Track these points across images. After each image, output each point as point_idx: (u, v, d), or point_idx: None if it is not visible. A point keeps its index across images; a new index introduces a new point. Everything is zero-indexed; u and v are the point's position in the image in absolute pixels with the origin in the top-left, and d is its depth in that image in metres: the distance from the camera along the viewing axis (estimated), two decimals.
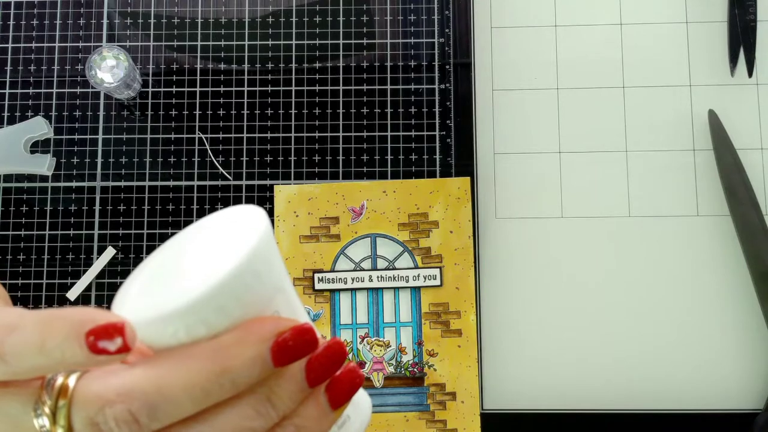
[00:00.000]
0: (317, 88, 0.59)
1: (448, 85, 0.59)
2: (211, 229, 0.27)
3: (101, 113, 0.59)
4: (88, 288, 0.57)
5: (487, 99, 0.59)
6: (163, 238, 0.58)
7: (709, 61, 0.59)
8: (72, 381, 0.23)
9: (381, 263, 0.56)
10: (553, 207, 0.57)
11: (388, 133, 0.59)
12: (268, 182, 0.58)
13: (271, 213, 0.57)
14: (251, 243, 0.24)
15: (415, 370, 0.55)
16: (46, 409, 0.23)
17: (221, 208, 0.35)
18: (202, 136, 0.59)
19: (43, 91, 0.60)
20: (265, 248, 0.25)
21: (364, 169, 0.58)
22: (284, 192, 0.57)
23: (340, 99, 0.59)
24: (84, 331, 0.22)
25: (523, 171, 0.58)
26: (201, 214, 0.58)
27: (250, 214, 0.26)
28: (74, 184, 0.58)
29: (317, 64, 0.60)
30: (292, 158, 0.58)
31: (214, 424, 0.24)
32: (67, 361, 0.22)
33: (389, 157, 0.58)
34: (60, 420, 0.22)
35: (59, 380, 0.23)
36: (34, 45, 0.60)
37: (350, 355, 0.55)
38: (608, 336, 0.56)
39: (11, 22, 0.61)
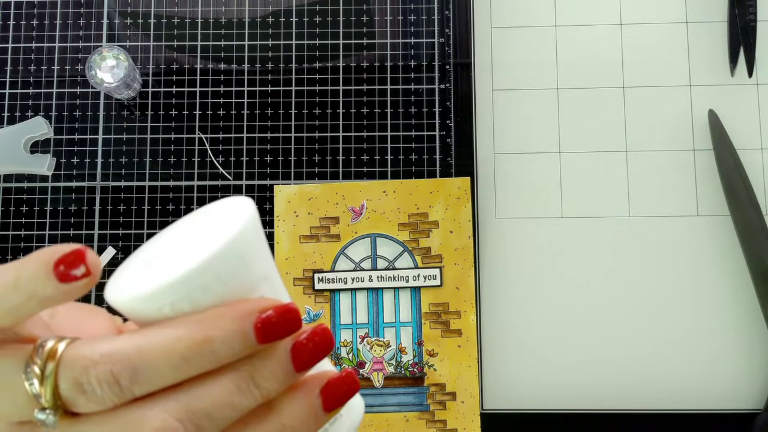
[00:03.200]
0: (317, 88, 0.59)
1: (448, 85, 0.59)
2: (201, 218, 0.28)
3: (101, 113, 0.59)
4: None
5: (487, 99, 0.59)
6: None
7: (709, 61, 0.59)
8: (62, 346, 0.24)
9: (381, 263, 0.56)
10: (553, 207, 0.57)
11: (388, 133, 0.59)
12: (268, 182, 0.58)
13: (271, 213, 0.57)
14: (236, 227, 0.26)
15: (415, 370, 0.55)
16: (36, 370, 0.24)
17: None
18: (202, 136, 0.59)
19: (43, 91, 0.60)
20: (249, 233, 0.26)
21: (364, 169, 0.58)
22: (284, 192, 0.57)
23: (340, 99, 0.59)
24: (52, 262, 0.24)
25: (523, 171, 0.58)
26: None
27: (238, 204, 0.28)
28: (74, 184, 0.58)
29: (317, 64, 0.60)
30: (292, 158, 0.58)
31: (194, 394, 0.24)
32: (39, 294, 0.24)
33: (389, 157, 0.58)
34: (48, 381, 0.24)
35: (49, 344, 0.24)
36: (34, 45, 0.60)
37: (350, 355, 0.55)
38: (608, 336, 0.56)
39: (11, 22, 0.61)
